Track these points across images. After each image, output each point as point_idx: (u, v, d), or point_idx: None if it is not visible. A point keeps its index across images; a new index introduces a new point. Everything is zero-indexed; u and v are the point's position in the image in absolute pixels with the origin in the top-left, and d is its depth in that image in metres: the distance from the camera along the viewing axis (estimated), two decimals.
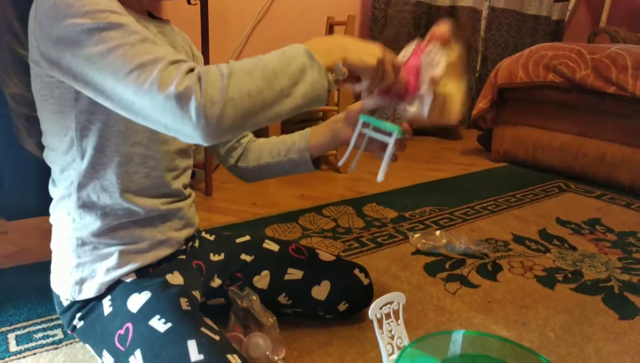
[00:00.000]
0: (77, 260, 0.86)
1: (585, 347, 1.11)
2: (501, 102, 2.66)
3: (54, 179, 0.87)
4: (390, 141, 0.83)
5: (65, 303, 0.88)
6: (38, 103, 0.81)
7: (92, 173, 0.82)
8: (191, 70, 0.64)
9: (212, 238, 1.12)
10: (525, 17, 3.73)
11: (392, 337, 0.90)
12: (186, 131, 0.64)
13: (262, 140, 1.11)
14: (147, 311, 0.82)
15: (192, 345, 0.76)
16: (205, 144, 0.66)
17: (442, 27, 0.83)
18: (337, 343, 1.10)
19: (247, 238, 1.16)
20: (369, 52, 0.74)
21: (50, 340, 1.06)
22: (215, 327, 0.83)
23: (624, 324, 1.21)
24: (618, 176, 2.22)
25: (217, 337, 0.80)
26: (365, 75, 0.75)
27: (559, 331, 1.17)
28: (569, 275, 1.45)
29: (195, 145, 0.95)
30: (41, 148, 0.87)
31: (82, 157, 0.81)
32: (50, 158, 0.85)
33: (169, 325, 0.79)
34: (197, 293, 0.94)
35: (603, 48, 2.29)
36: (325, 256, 1.16)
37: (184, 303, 0.84)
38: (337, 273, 1.13)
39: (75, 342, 1.06)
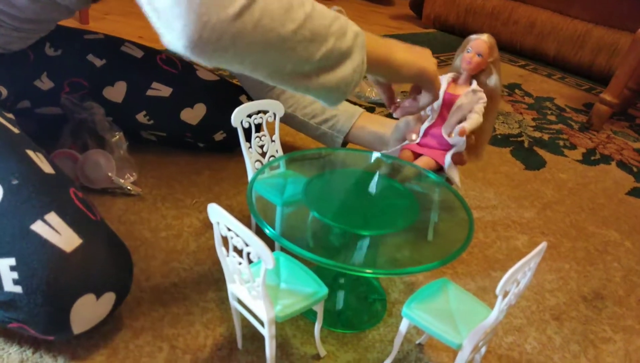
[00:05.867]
0: None
1: (485, 190, 1.02)
2: None
3: None
4: None
5: None
6: None
7: None
8: None
9: (52, 27, 0.84)
10: None
11: (264, 154, 0.72)
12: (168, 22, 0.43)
13: None
14: None
15: None
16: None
17: (481, 46, 0.70)
18: (207, 174, 0.92)
19: (100, 36, 0.89)
20: (425, 57, 0.64)
21: None
22: (12, 118, 0.61)
23: (528, 174, 1.13)
24: (544, 47, 2.11)
25: (16, 130, 0.59)
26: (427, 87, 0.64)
27: (460, 175, 1.07)
28: None
29: None
30: None
31: None
32: None
33: None
34: (2, 88, 0.69)
35: None
36: (205, 74, 0.93)
37: None
38: (217, 96, 0.92)
39: None
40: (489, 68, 0.72)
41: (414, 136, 0.75)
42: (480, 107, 0.70)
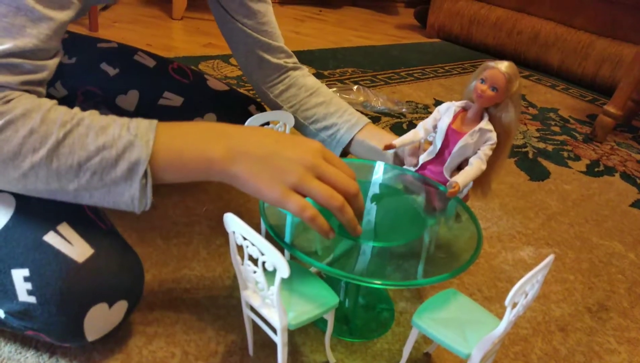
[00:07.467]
0: None
1: (490, 201, 1.03)
2: None
3: None
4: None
5: None
6: None
7: None
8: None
9: (65, 35, 0.86)
10: None
11: None
12: None
13: (310, 81, 0.89)
14: None
15: None
16: None
17: (497, 78, 0.58)
18: (217, 182, 0.93)
19: (114, 45, 0.91)
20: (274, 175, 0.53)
21: None
22: None
23: (532, 185, 1.14)
24: (548, 57, 2.13)
25: None
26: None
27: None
28: None
29: None
30: None
31: None
32: None
33: None
34: None
35: None
36: (215, 84, 0.95)
37: None
38: (227, 106, 0.93)
39: None
40: (505, 102, 0.60)
41: (414, 160, 0.68)
42: (486, 150, 0.61)
